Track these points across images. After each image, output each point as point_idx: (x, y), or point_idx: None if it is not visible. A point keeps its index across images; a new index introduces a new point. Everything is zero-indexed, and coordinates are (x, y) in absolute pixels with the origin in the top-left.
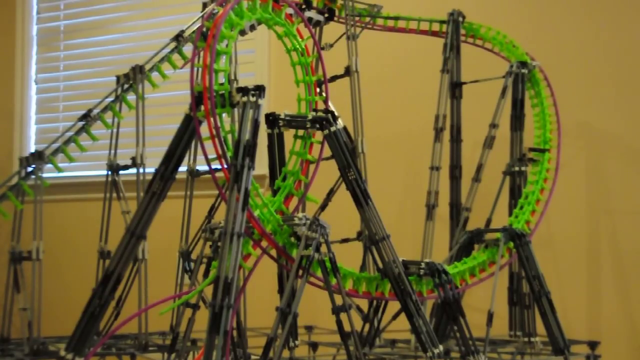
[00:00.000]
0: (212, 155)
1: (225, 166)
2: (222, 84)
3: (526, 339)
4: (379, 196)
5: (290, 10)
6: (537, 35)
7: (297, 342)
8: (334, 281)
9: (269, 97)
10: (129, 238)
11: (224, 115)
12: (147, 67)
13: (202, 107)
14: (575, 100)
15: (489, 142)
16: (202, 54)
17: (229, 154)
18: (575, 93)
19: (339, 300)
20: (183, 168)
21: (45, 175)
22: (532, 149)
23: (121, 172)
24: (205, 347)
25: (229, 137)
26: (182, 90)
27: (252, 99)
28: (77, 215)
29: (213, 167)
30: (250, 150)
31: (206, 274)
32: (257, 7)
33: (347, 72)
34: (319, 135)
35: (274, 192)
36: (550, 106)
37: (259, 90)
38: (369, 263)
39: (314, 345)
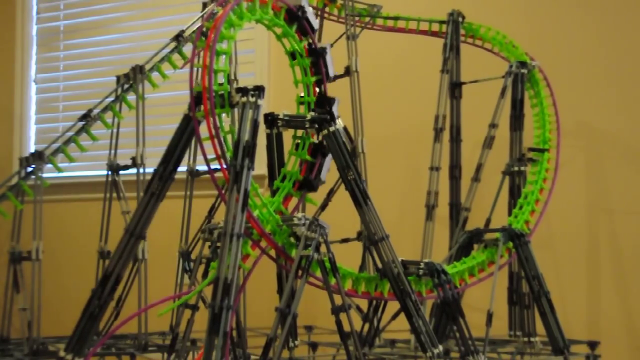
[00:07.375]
0: (211, 155)
1: (225, 166)
2: (221, 84)
3: (526, 339)
4: (378, 196)
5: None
6: (537, 35)
7: (296, 342)
8: (333, 281)
9: (269, 97)
10: (129, 238)
11: (223, 115)
12: (147, 67)
13: (202, 107)
14: (575, 100)
15: (488, 142)
16: (201, 54)
17: (228, 155)
18: (575, 93)
19: (338, 300)
20: (183, 168)
21: (45, 175)
22: (531, 149)
23: (121, 172)
24: (205, 347)
25: (229, 137)
26: (182, 90)
27: (252, 99)
28: (77, 215)
29: (212, 167)
30: (249, 150)
31: (206, 274)
32: (256, 7)
33: (347, 72)
34: None
35: (273, 193)
36: (550, 106)
37: (259, 90)
38: (369, 263)
39: (313, 345)
